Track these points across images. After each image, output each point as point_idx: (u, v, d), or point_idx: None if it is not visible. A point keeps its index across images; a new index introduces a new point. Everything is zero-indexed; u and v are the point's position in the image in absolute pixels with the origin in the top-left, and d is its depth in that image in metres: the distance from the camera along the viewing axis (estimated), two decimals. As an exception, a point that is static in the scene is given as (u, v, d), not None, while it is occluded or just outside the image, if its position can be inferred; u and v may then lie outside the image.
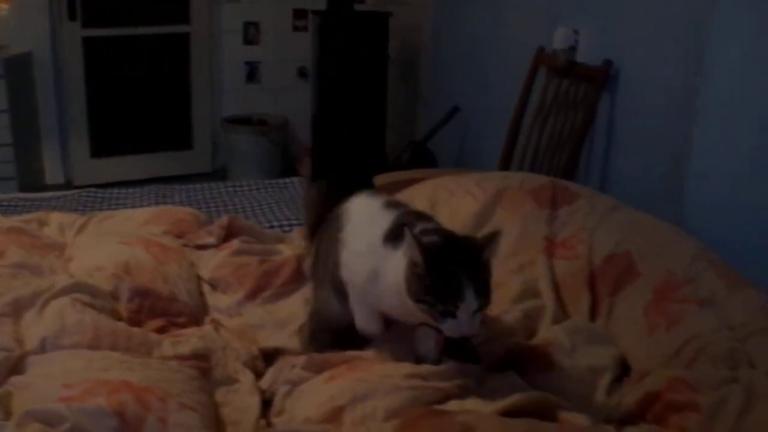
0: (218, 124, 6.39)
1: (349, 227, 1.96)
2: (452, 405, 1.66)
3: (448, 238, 1.77)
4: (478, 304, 1.68)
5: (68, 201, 3.50)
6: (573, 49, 3.84)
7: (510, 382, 1.78)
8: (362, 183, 4.63)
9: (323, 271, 2.05)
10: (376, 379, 1.75)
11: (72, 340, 1.88)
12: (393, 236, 1.82)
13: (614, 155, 3.57)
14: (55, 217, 2.80)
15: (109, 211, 3.02)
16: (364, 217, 1.96)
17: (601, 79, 3.53)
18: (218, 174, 6.39)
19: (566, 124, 3.73)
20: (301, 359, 1.95)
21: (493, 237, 1.75)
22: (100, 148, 6.23)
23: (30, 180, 5.67)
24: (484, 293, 1.70)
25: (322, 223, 2.15)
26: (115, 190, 3.67)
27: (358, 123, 5.69)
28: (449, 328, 1.70)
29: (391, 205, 1.98)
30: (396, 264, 1.77)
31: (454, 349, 1.85)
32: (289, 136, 6.44)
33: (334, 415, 1.68)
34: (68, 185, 5.97)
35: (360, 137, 5.70)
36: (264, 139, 6.12)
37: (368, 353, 1.95)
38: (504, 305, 2.14)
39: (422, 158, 5.44)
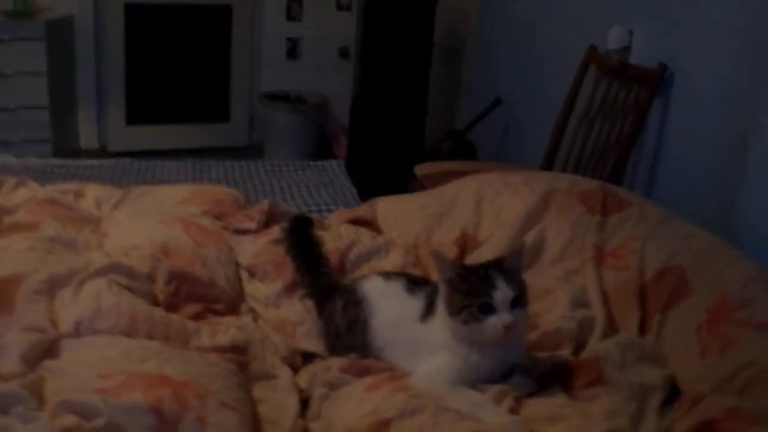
0: (256, 99, 6.33)
1: (378, 318, 1.98)
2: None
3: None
4: (513, 294, 1.75)
5: (103, 170, 3.49)
6: (627, 49, 3.72)
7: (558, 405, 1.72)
8: (401, 171, 4.62)
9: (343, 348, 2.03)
10: (428, 397, 1.69)
11: (108, 324, 1.82)
12: (427, 313, 1.89)
13: (663, 164, 3.46)
14: (92, 190, 2.74)
15: (147, 186, 2.97)
16: (392, 308, 1.98)
17: (654, 82, 3.41)
18: (254, 149, 6.32)
19: (615, 128, 3.61)
20: (338, 361, 1.90)
21: (516, 249, 1.86)
22: (136, 115, 6.17)
23: (64, 144, 5.69)
24: (515, 285, 1.77)
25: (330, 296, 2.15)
26: (152, 162, 3.64)
27: (398, 107, 5.59)
28: (492, 323, 1.73)
29: (413, 287, 2.00)
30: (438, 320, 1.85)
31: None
32: (326, 115, 6.37)
33: (379, 427, 1.61)
34: (102, 151, 6.00)
35: (399, 121, 5.60)
36: (301, 116, 6.07)
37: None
38: (554, 314, 2.06)
39: (463, 149, 5.33)
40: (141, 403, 1.45)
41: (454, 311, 1.77)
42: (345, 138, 5.97)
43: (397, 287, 2.00)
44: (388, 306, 1.97)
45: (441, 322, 1.83)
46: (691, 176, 3.24)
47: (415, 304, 1.93)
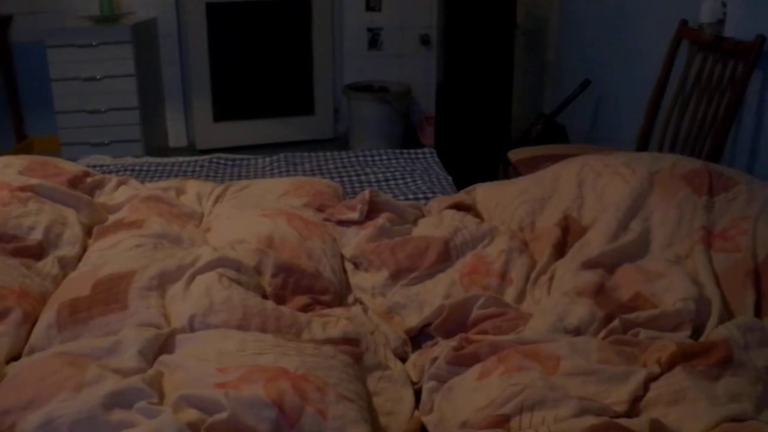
0: (340, 91, 6.34)
1: None
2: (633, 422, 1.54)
3: None
4: None
5: (197, 166, 3.54)
6: (721, 22, 3.61)
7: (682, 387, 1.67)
8: (489, 157, 4.57)
9: None
10: (541, 383, 1.63)
11: (220, 318, 1.82)
12: None
13: (764, 142, 3.35)
14: (192, 185, 2.77)
15: (246, 180, 2.98)
16: None
17: (752, 56, 3.28)
18: (340, 140, 6.38)
19: (711, 106, 3.50)
20: (442, 351, 1.85)
21: None
22: (223, 112, 6.27)
23: (154, 142, 5.81)
24: None
25: None
26: (245, 156, 3.67)
27: (483, 93, 5.53)
28: None
29: None
30: None
31: None
32: (410, 104, 6.35)
33: (497, 423, 1.56)
34: (191, 148, 6.10)
35: (485, 107, 5.55)
36: (386, 106, 6.07)
37: (507, 337, 1.86)
38: (673, 295, 2.01)
39: (553, 133, 5.24)
40: (263, 397, 1.45)
41: None
42: (430, 126, 5.95)
43: None
44: None
45: None
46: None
47: None
